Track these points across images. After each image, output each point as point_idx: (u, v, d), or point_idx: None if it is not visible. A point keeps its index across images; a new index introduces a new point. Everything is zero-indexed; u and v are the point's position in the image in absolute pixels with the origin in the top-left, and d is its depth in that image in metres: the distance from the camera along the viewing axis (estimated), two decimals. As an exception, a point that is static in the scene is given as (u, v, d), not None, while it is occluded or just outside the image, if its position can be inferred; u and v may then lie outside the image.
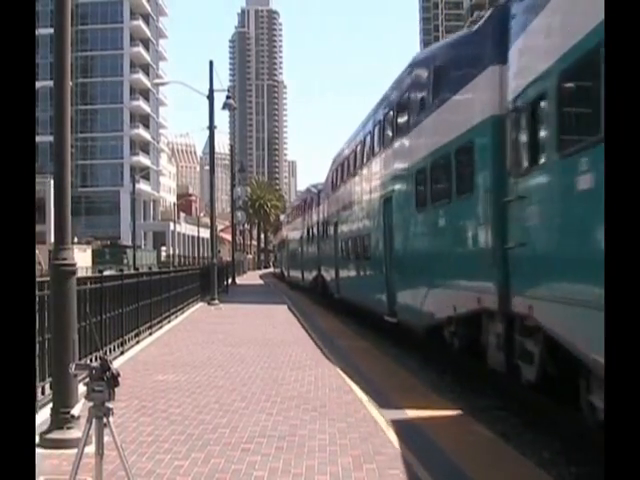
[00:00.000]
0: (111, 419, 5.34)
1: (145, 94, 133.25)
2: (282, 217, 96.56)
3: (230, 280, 55.41)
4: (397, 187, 20.28)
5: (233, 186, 67.37)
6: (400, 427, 9.68)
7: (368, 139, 25.98)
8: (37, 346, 9.26)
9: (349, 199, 29.98)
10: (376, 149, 24.28)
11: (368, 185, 25.17)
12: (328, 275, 36.91)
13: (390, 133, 21.86)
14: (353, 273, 29.15)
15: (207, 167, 64.55)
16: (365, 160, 26.41)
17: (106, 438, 5.40)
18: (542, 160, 10.26)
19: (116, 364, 8.33)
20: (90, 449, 5.52)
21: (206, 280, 35.40)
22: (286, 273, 68.21)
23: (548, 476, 8.07)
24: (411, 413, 10.69)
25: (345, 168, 31.69)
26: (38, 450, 7.49)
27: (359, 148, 27.98)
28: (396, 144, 20.62)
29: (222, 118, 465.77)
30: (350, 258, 29.49)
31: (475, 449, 8.84)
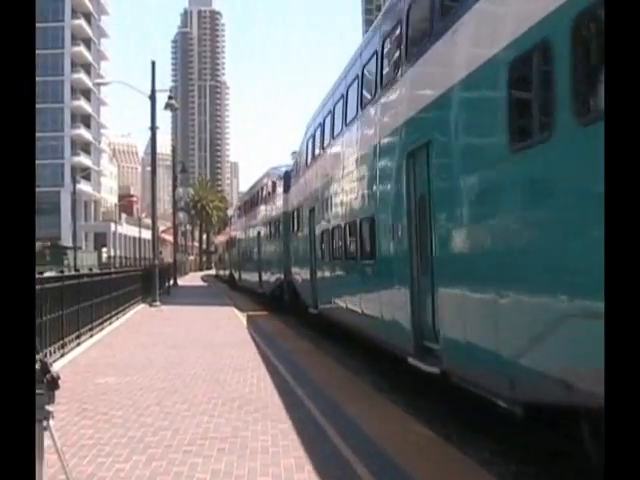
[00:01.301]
0: (51, 422, 5.31)
1: (86, 94, 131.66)
2: (230, 212, 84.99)
3: (172, 281, 55.08)
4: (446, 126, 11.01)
5: (175, 187, 67.00)
6: (341, 427, 9.72)
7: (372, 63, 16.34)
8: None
9: (337, 169, 19.99)
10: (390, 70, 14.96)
11: (372, 137, 15.83)
12: (300, 280, 27.76)
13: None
14: (342, 279, 20.03)
15: (149, 168, 64.00)
16: (364, 103, 17.06)
17: (46, 441, 5.35)
18: None
19: (56, 366, 8.27)
20: (30, 452, 5.47)
21: (148, 282, 35.19)
22: (237, 276, 56.81)
23: (489, 475, 8.18)
24: (353, 413, 10.73)
25: (334, 123, 21.04)
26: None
27: (356, 84, 18.15)
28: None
29: (164, 118, 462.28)
30: (335, 257, 20.65)
31: (417, 449, 8.91)
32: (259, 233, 42.46)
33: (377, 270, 15.72)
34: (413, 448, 8.89)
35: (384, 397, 12.86)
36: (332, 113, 21.39)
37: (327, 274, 22.21)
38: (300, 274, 27.98)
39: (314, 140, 24.83)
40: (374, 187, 15.61)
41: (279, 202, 34.66)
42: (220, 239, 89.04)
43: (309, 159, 25.97)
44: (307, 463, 7.86)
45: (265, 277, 39.41)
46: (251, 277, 46.12)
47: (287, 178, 33.24)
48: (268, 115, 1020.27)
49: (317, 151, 24.14)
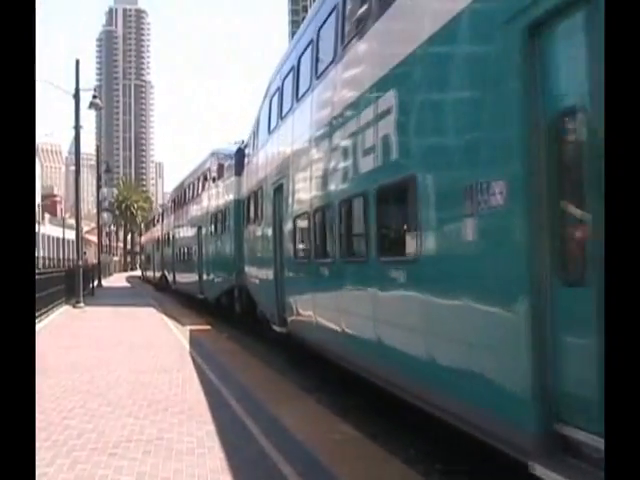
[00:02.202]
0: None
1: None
2: (159, 207, 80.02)
3: (96, 282, 54.40)
4: None
5: (99, 187, 66.09)
6: (267, 427, 9.74)
7: None
8: None
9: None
10: None
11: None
12: (259, 286, 21.05)
13: None
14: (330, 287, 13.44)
15: (73, 167, 63.08)
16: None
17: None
18: None
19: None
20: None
21: (71, 282, 34.72)
22: (170, 278, 49.85)
23: (414, 473, 8.28)
24: (278, 413, 10.76)
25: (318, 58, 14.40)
26: None
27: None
28: None
29: (89, 118, 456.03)
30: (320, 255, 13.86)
31: (342, 448, 8.97)
32: (200, 228, 36.38)
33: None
34: (339, 448, 8.95)
35: (310, 397, 12.92)
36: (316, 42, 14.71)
37: (303, 278, 15.70)
38: (259, 278, 21.19)
39: (282, 93, 17.90)
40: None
41: (229, 188, 28.51)
42: (147, 237, 79.46)
43: (274, 122, 18.86)
44: (233, 464, 7.88)
45: (208, 281, 33.58)
46: (189, 280, 39.56)
47: (239, 157, 26.87)
48: (193, 116, 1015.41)
49: (289, 105, 16.91)
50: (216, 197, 31.71)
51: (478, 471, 8.87)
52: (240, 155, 26.66)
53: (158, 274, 59.23)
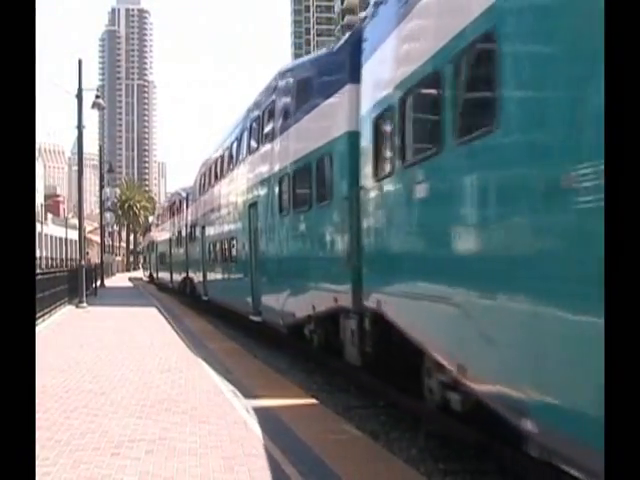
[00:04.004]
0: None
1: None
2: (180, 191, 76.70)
3: (99, 282, 54.41)
4: None
5: (102, 187, 66.14)
6: (270, 427, 9.75)
7: None
8: None
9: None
10: None
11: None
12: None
13: None
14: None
15: (75, 167, 63.19)
16: None
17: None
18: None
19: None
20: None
21: (74, 283, 34.72)
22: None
23: (417, 473, 8.28)
24: (281, 413, 10.77)
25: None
26: None
27: None
28: None
29: (91, 118, 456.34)
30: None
31: (344, 447, 8.98)
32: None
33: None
34: (341, 447, 8.96)
35: (313, 397, 12.93)
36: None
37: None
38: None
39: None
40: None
41: (335, 111, 29.19)
42: (159, 231, 78.78)
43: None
44: (236, 464, 7.88)
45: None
46: (233, 289, 40.41)
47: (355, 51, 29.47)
48: (195, 116, 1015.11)
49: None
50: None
51: (480, 471, 8.88)
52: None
53: (179, 277, 46.48)
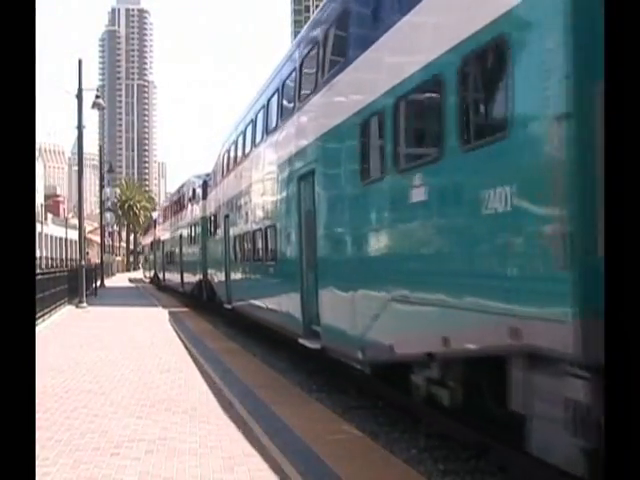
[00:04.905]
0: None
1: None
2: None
3: (99, 282, 54.38)
4: None
5: (102, 187, 66.13)
6: (270, 427, 9.75)
7: None
8: None
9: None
10: None
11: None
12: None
13: None
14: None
15: (75, 167, 63.17)
16: None
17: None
18: None
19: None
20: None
21: (74, 283, 34.72)
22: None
23: (416, 473, 8.27)
24: (280, 413, 10.77)
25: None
26: None
27: None
28: None
29: (91, 118, 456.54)
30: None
31: (344, 447, 8.98)
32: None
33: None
34: (341, 447, 8.95)
35: (312, 397, 12.92)
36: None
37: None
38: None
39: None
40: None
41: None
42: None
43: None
44: (236, 464, 7.89)
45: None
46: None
47: (205, 186, 33.96)
48: (195, 116, 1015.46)
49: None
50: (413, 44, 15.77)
51: (480, 471, 8.87)
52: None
53: (192, 279, 38.57)
